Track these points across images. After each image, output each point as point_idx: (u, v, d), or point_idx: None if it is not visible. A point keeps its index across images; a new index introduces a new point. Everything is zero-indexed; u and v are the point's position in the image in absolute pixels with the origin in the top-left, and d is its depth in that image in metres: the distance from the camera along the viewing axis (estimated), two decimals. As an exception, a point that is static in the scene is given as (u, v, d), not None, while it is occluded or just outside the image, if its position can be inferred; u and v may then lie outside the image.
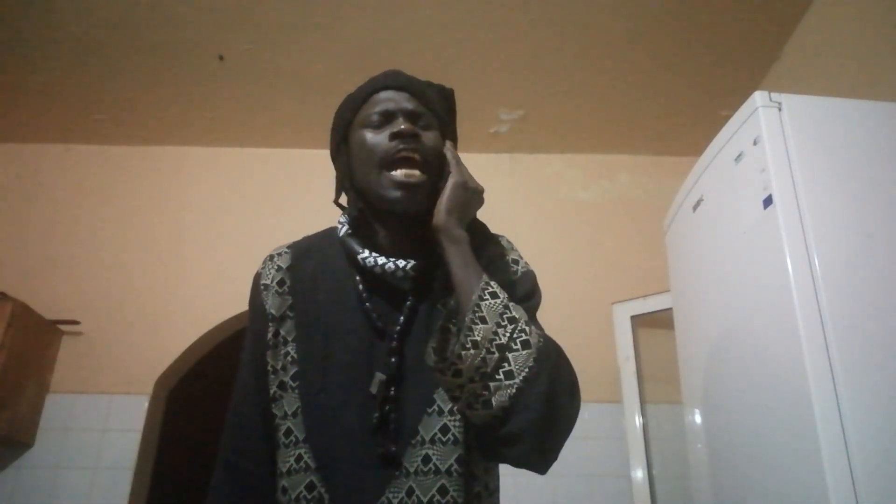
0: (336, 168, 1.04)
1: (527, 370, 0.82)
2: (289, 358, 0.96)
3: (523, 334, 0.84)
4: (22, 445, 2.40)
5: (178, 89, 2.65)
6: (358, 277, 0.98)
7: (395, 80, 1.01)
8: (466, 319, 0.84)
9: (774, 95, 1.38)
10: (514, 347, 0.83)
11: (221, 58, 2.49)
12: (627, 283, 2.60)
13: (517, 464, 0.85)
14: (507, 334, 0.83)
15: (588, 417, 2.47)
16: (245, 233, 2.79)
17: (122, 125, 2.87)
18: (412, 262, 0.95)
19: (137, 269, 2.73)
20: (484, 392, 0.81)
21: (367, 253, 0.96)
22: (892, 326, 1.18)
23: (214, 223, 2.82)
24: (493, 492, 0.97)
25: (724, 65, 2.47)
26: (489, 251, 1.01)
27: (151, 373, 2.55)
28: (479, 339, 0.82)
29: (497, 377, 0.81)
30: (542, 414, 0.81)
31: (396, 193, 0.93)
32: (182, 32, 2.37)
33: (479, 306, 0.84)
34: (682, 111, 2.70)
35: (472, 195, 0.96)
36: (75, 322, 2.58)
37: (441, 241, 0.91)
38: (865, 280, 1.21)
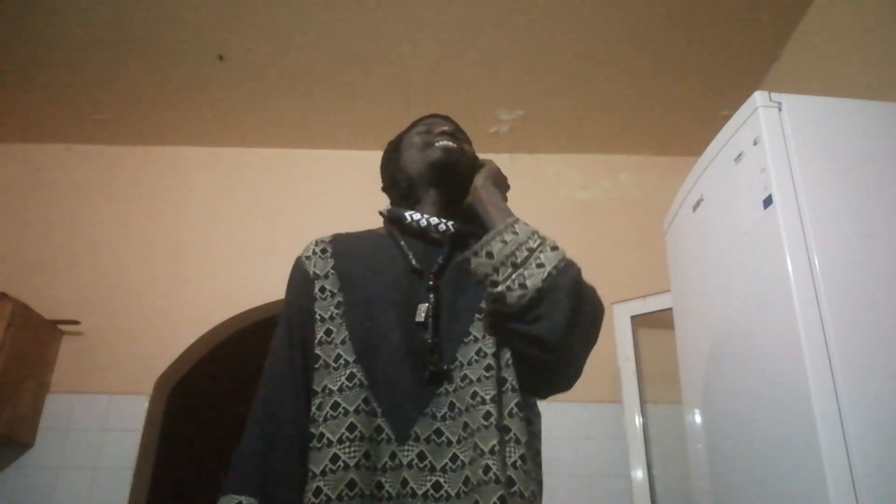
0: (384, 169, 1.25)
1: (557, 261, 0.96)
2: (336, 304, 1.06)
3: (552, 244, 0.99)
4: (22, 445, 2.40)
5: (178, 89, 2.65)
6: (399, 238, 1.12)
7: (440, 114, 1.25)
8: (500, 227, 1.01)
9: (774, 95, 1.38)
10: (545, 250, 0.97)
11: (221, 58, 2.49)
12: (627, 283, 2.60)
13: (544, 339, 0.94)
14: (537, 243, 0.98)
15: (588, 417, 2.47)
16: (245, 233, 2.79)
17: (122, 125, 2.87)
18: (455, 223, 1.11)
19: (137, 269, 2.73)
20: (519, 276, 0.95)
21: (414, 211, 1.13)
22: (892, 326, 1.18)
23: (214, 223, 2.82)
24: (530, 406, 1.07)
25: (724, 65, 2.47)
26: None
27: (151, 373, 2.55)
28: (508, 240, 0.98)
29: (530, 266, 0.95)
30: (573, 294, 0.94)
31: (441, 153, 1.13)
32: (182, 32, 2.37)
33: (511, 226, 1.01)
34: (682, 111, 2.70)
35: (503, 179, 1.17)
36: (75, 322, 2.58)
37: (479, 195, 1.09)
38: (865, 280, 1.21)
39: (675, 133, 2.81)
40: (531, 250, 0.97)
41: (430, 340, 1.00)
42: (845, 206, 1.27)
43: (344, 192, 2.84)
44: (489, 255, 0.97)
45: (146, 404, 2.49)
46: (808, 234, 1.24)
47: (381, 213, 1.19)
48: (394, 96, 2.64)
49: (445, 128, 1.16)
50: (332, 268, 1.10)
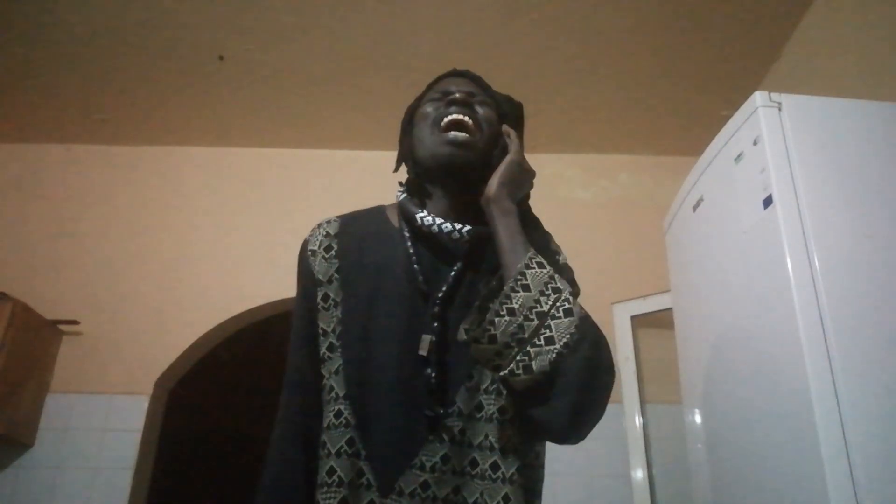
0: (400, 143, 1.11)
1: (568, 336, 0.82)
2: (336, 319, 0.99)
3: (567, 303, 0.85)
4: (22, 445, 2.40)
5: (178, 89, 2.65)
6: (409, 242, 1.00)
7: (462, 72, 1.11)
8: (506, 287, 0.85)
9: (774, 95, 1.38)
10: (557, 315, 0.84)
11: (221, 58, 2.49)
12: (627, 283, 2.60)
13: (547, 427, 0.85)
14: (550, 302, 0.84)
15: (588, 417, 2.46)
16: (245, 233, 2.79)
17: (122, 125, 2.87)
18: (469, 227, 0.98)
19: (137, 269, 2.73)
20: (524, 357, 0.82)
21: (425, 213, 1.00)
22: (892, 326, 1.18)
23: (214, 223, 2.82)
24: (538, 468, 0.97)
25: (724, 65, 2.47)
26: (537, 238, 1.02)
27: (151, 373, 2.55)
28: (516, 306, 0.84)
29: (537, 343, 0.82)
30: (581, 380, 0.82)
31: (447, 149, 0.98)
32: (182, 32, 2.37)
33: (523, 274, 0.86)
34: (682, 111, 2.70)
35: (524, 174, 1.00)
36: (75, 322, 2.58)
37: (491, 212, 0.94)
38: (865, 280, 1.21)
39: (675, 133, 2.81)
40: (542, 316, 0.83)
41: (432, 381, 0.91)
42: (845, 206, 1.27)
43: (344, 192, 2.84)
44: (492, 339, 0.83)
45: (146, 404, 2.49)
46: (808, 234, 1.24)
47: (398, 195, 1.07)
48: (394, 96, 2.63)
49: (457, 95, 1.01)
50: (336, 272, 1.01)
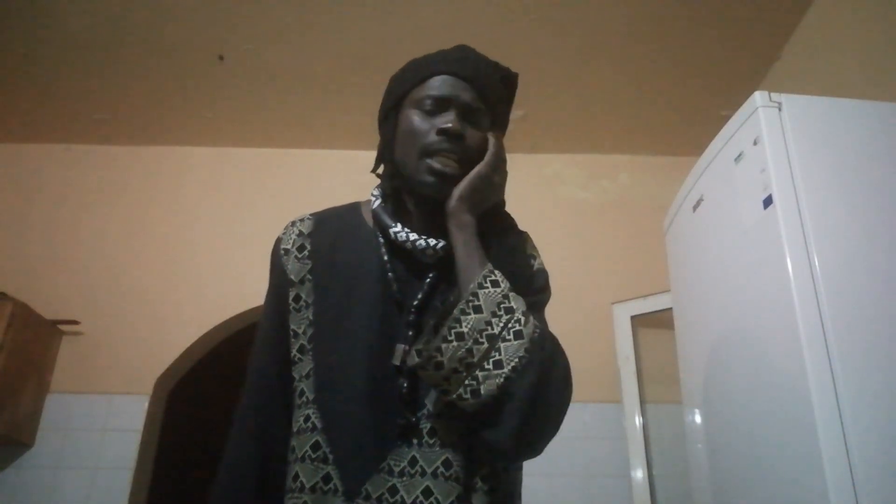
0: (381, 135, 1.04)
1: (516, 360, 0.82)
2: (307, 321, 0.97)
3: (518, 324, 0.84)
4: (22, 445, 2.40)
5: (178, 89, 2.65)
6: (384, 249, 0.99)
7: (460, 67, 1.00)
8: (456, 311, 0.84)
9: (774, 95, 1.38)
10: (507, 337, 0.83)
11: (221, 58, 2.49)
12: (627, 283, 2.60)
13: (492, 448, 0.85)
14: (502, 324, 0.83)
15: (588, 417, 2.47)
16: (245, 232, 2.79)
17: (122, 125, 2.87)
18: (443, 243, 0.96)
19: (137, 269, 2.73)
20: (472, 382, 0.82)
21: (399, 227, 0.97)
22: (892, 326, 1.18)
23: (214, 223, 2.82)
24: (515, 470, 0.97)
25: (724, 65, 2.47)
26: (511, 241, 1.01)
27: (151, 373, 2.55)
28: (465, 330, 0.83)
29: (486, 367, 0.81)
30: (528, 404, 0.81)
31: (430, 179, 0.94)
32: (182, 32, 2.37)
33: (476, 294, 0.85)
34: (682, 111, 2.70)
35: (489, 187, 0.96)
36: (75, 322, 2.58)
37: (449, 226, 0.92)
38: (865, 280, 1.21)
39: (675, 133, 2.81)
40: (492, 339, 0.82)
41: (405, 389, 0.90)
42: (845, 206, 1.27)
43: (344, 192, 2.81)
44: (438, 366, 0.82)
45: (146, 404, 2.49)
46: (808, 234, 1.24)
47: (372, 200, 1.03)
48: (394, 96, 2.64)
49: (450, 126, 0.94)
50: (309, 272, 1.00)
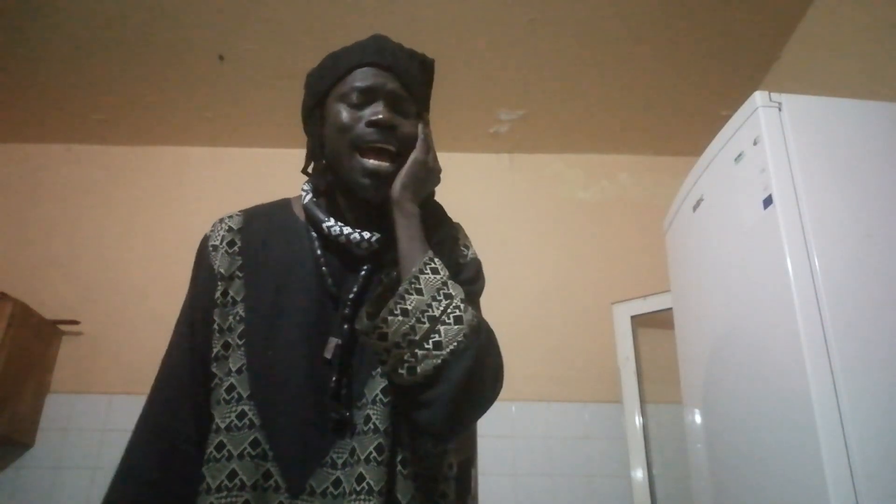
0: (307, 133, 1.04)
1: (455, 343, 0.84)
2: (237, 317, 0.95)
3: (457, 310, 0.86)
4: (22, 445, 2.40)
5: (178, 89, 2.65)
6: (317, 243, 0.98)
7: (381, 58, 0.98)
8: (401, 288, 0.86)
9: (774, 95, 1.38)
10: (447, 321, 0.85)
11: (221, 58, 2.49)
12: (627, 283, 2.60)
13: (424, 428, 0.88)
14: (441, 308, 0.85)
15: (588, 417, 2.47)
16: (245, 233, 2.79)
17: (122, 125, 2.87)
18: (377, 235, 0.96)
19: (138, 269, 2.73)
20: (410, 359, 0.83)
21: (332, 221, 0.97)
22: (892, 326, 1.18)
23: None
24: (441, 454, 0.97)
25: (724, 65, 2.47)
26: (443, 233, 1.02)
27: (151, 373, 2.53)
28: (410, 308, 0.84)
29: (426, 346, 0.83)
30: (460, 388, 0.83)
31: (365, 181, 0.94)
32: (182, 32, 2.37)
33: (417, 278, 0.87)
34: (682, 111, 2.70)
35: (429, 173, 0.97)
36: (75, 322, 2.58)
37: (394, 214, 0.93)
38: (865, 280, 1.21)
39: (675, 133, 2.81)
40: (433, 321, 0.84)
41: (333, 383, 0.90)
42: (845, 206, 1.27)
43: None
44: (382, 336, 0.84)
45: (146, 404, 2.49)
46: (808, 234, 1.24)
47: (303, 195, 1.04)
48: (394, 96, 2.64)
49: (381, 117, 0.93)
50: (239, 269, 0.98)
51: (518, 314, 2.51)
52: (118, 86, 2.63)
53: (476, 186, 2.80)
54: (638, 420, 2.39)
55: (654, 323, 2.49)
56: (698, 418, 1.65)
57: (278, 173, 2.96)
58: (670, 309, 1.90)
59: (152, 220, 2.84)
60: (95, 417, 2.46)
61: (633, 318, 2.53)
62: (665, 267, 1.92)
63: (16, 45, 2.45)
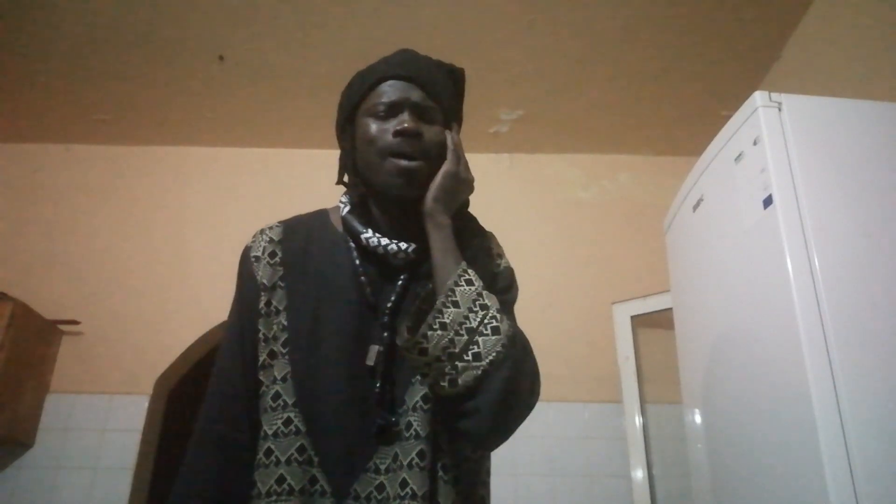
0: (340, 147, 1.08)
1: (494, 354, 0.86)
2: (280, 326, 0.98)
3: (494, 321, 0.88)
4: (22, 445, 2.40)
5: (178, 89, 2.65)
6: (355, 254, 1.01)
7: (404, 69, 1.02)
8: (438, 302, 0.88)
9: (774, 95, 1.38)
10: (484, 332, 0.87)
11: (221, 58, 2.49)
12: (627, 283, 2.60)
13: (468, 437, 0.90)
14: (479, 319, 0.87)
15: (588, 417, 2.47)
16: (245, 233, 2.76)
17: (122, 125, 2.87)
18: (413, 246, 0.98)
19: (137, 269, 2.73)
20: (451, 371, 0.85)
21: (370, 233, 0.99)
22: (892, 326, 1.18)
23: (214, 223, 2.82)
24: (479, 459, 0.99)
25: (724, 65, 2.47)
26: (476, 243, 1.05)
27: (151, 373, 2.55)
28: (448, 321, 0.86)
29: (465, 358, 0.85)
30: (502, 397, 0.85)
31: (397, 180, 0.96)
32: (182, 32, 2.37)
33: (453, 291, 0.89)
34: (682, 111, 2.70)
35: (460, 184, 1.00)
36: (75, 322, 2.58)
37: (427, 226, 0.95)
38: (865, 280, 1.21)
39: (675, 133, 2.81)
40: (471, 332, 0.86)
41: (377, 390, 0.93)
42: (845, 206, 1.27)
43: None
44: (422, 352, 0.86)
45: (146, 404, 2.49)
46: (808, 234, 1.24)
47: (340, 207, 1.07)
48: (394, 96, 2.64)
49: (406, 126, 0.96)
50: (281, 279, 1.01)
51: (518, 314, 2.50)
52: (118, 86, 2.64)
53: (476, 186, 2.80)
54: (638, 420, 2.39)
55: (654, 323, 2.49)
56: (698, 418, 1.65)
57: (278, 173, 2.97)
58: (670, 309, 1.90)
59: (152, 220, 2.84)
60: (95, 417, 2.46)
61: (633, 318, 2.53)
62: (665, 267, 1.92)
63: (16, 45, 2.45)
